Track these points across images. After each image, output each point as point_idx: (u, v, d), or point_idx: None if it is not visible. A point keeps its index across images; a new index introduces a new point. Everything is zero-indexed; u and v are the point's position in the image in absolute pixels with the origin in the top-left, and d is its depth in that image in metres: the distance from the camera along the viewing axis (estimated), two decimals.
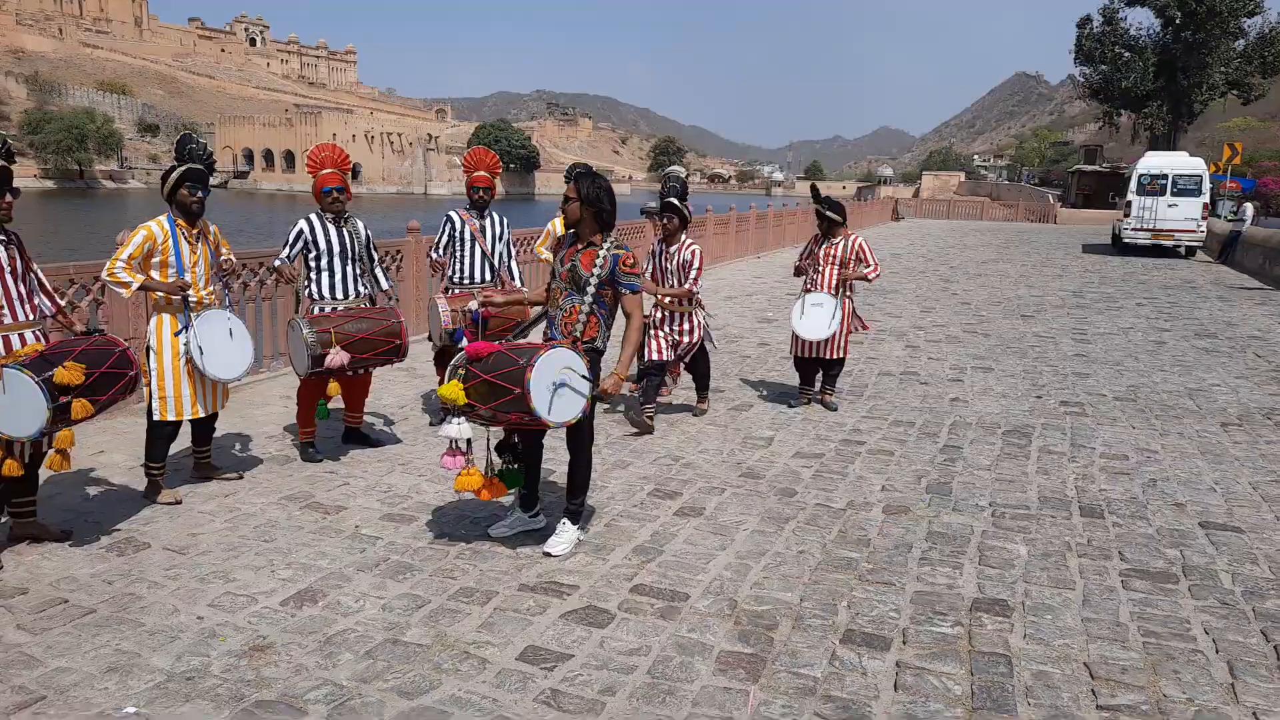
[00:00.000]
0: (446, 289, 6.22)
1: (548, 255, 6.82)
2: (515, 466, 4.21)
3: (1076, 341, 10.13)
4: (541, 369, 3.69)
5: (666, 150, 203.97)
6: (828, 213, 6.66)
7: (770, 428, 6.34)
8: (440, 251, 6.33)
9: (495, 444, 4.23)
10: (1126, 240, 23.76)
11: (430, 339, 6.15)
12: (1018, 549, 4.20)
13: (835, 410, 6.78)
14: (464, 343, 5.73)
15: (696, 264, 6.23)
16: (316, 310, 5.29)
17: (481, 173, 6.12)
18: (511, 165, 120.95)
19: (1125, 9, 48.75)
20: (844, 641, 3.30)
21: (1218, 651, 3.26)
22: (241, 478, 4.98)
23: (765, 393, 7.37)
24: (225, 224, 5.00)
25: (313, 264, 5.34)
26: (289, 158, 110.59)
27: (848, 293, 6.77)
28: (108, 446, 5.47)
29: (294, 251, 5.32)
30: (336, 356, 4.94)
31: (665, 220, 6.27)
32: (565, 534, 4.08)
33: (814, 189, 7.59)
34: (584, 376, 3.78)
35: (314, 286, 5.34)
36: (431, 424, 6.20)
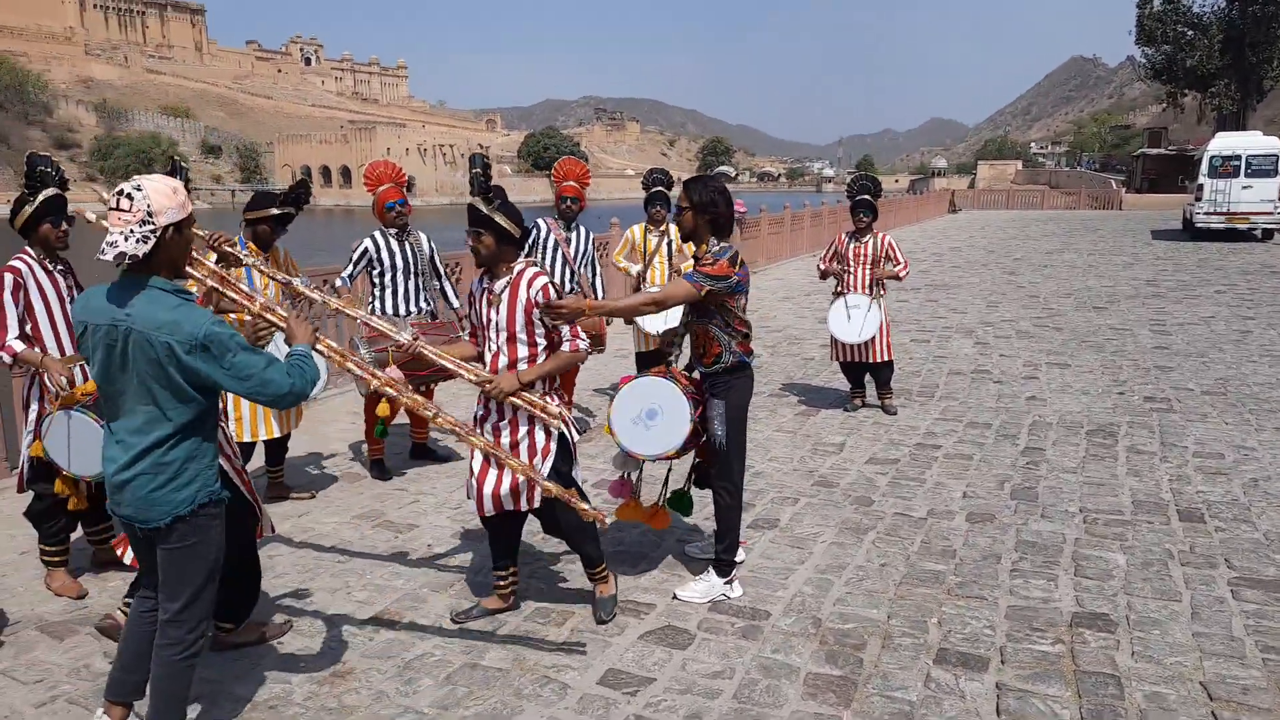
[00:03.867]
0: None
1: (626, 265, 6.71)
2: (688, 492, 4.01)
3: (1155, 333, 9.71)
4: (621, 402, 3.63)
5: (715, 150, 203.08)
6: (871, 200, 6.57)
7: (840, 433, 6.18)
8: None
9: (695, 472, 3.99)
10: (1199, 225, 22.82)
11: None
12: (1115, 558, 3.99)
13: (895, 414, 6.58)
14: None
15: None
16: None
17: (571, 183, 6.02)
18: None
19: None
20: (938, 662, 3.15)
21: None
22: (314, 497, 5.00)
23: (832, 397, 7.19)
24: (289, 242, 4.98)
25: (376, 280, 5.35)
26: (345, 173, 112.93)
27: (881, 292, 6.62)
28: None
29: (357, 270, 5.34)
30: (393, 373, 4.90)
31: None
32: (702, 583, 3.70)
33: (862, 184, 6.72)
34: (677, 401, 3.58)
35: (378, 304, 5.35)
36: None
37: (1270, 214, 22.17)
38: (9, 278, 3.72)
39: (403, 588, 3.81)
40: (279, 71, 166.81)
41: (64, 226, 3.85)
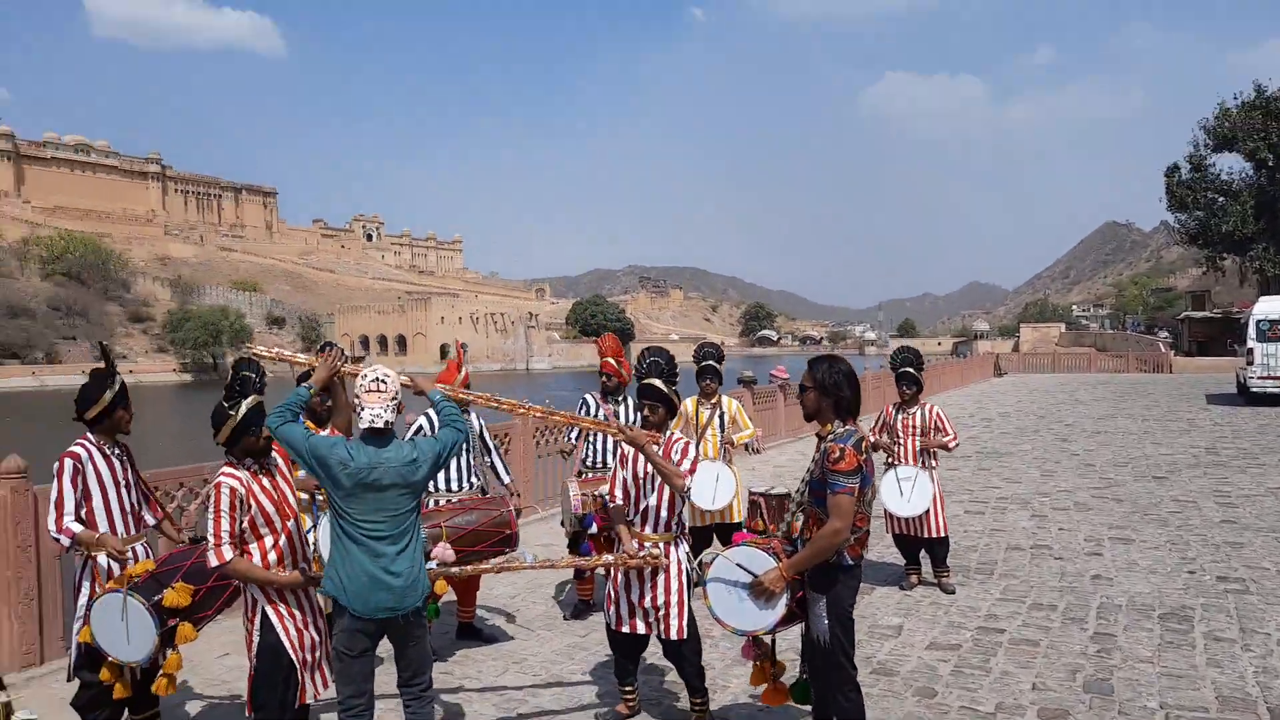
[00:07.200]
0: (580, 472, 6.23)
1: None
2: (806, 681, 3.75)
3: (1221, 506, 9.38)
4: (720, 566, 3.53)
5: (757, 315, 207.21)
6: (916, 373, 6.62)
7: (897, 613, 5.97)
8: (574, 433, 6.40)
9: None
10: (1254, 389, 22.39)
11: (562, 523, 6.10)
12: None
13: (953, 593, 6.36)
14: (594, 528, 5.69)
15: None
16: (431, 504, 5.34)
17: (608, 359, 6.23)
18: None
19: (1213, 155, 48.38)
20: None
21: None
22: None
23: (887, 573, 6.99)
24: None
25: None
26: (401, 341, 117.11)
27: (933, 463, 6.55)
28: (234, 649, 5.51)
29: None
30: (444, 551, 4.90)
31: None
32: None
33: (904, 357, 6.78)
34: (751, 575, 3.45)
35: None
36: (567, 618, 6.05)
37: None
38: (69, 463, 3.83)
39: None
40: (342, 247, 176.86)
41: (122, 412, 3.97)
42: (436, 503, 5.32)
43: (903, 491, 6.44)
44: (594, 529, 5.60)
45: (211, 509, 3.43)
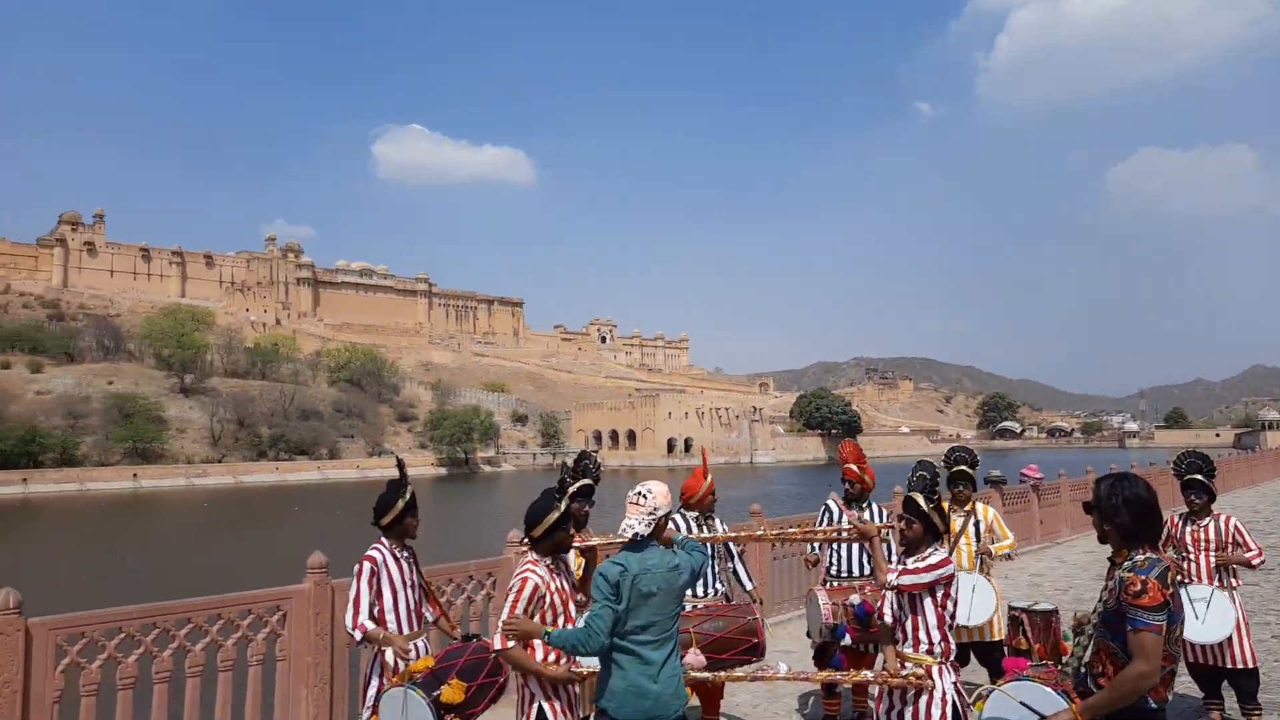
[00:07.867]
0: (825, 581, 6.08)
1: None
2: None
3: None
4: (998, 701, 3.26)
5: (996, 406, 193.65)
6: (1206, 480, 5.87)
7: None
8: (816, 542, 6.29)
9: None
10: None
11: (809, 634, 5.94)
12: None
13: None
14: (846, 639, 5.49)
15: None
16: None
17: (849, 465, 6.05)
18: (834, 430, 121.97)
19: None
20: None
21: None
22: None
23: (1181, 706, 6.14)
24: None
25: None
26: (630, 436, 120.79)
27: (1234, 583, 5.72)
28: None
29: None
30: (695, 658, 4.93)
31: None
32: None
33: (1192, 462, 6.00)
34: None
35: None
36: None
37: None
38: (367, 565, 4.23)
39: None
40: (579, 349, 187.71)
41: (412, 519, 4.35)
42: (684, 608, 5.39)
43: (1197, 614, 5.69)
44: (847, 640, 5.41)
45: (511, 596, 3.67)
